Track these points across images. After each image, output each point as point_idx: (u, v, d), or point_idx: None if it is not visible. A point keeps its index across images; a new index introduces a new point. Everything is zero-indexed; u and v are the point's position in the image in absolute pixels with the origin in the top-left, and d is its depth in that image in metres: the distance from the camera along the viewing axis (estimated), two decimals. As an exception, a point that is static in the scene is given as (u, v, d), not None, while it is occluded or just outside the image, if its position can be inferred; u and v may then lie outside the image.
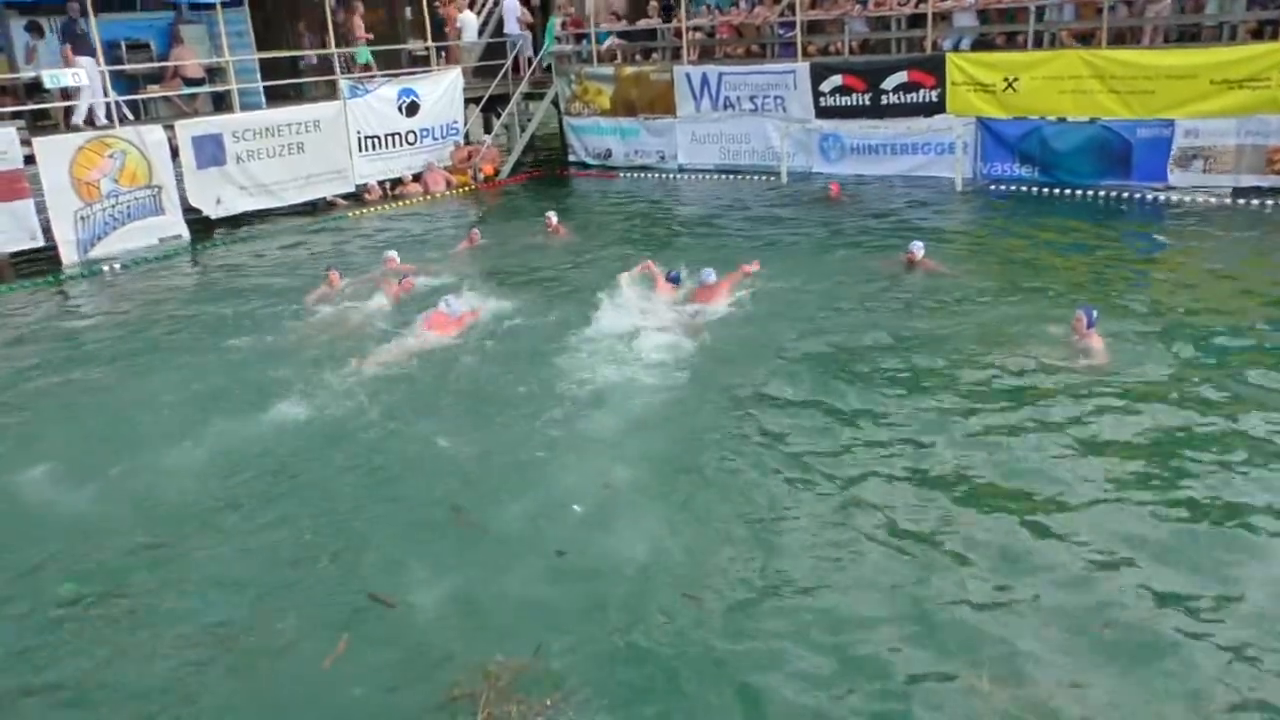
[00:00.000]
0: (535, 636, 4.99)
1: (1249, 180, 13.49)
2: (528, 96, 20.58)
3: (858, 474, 6.55)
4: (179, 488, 6.90)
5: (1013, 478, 6.41)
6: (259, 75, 16.77)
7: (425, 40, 19.18)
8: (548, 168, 20.13)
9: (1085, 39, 14.81)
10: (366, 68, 18.34)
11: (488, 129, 21.10)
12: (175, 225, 15.28)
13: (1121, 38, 14.64)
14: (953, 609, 5.12)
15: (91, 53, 14.71)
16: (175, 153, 15.27)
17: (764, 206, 15.10)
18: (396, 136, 18.11)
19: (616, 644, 4.93)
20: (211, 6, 16.01)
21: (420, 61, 19.51)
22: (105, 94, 14.77)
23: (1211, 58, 13.45)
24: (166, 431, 7.76)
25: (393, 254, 12.21)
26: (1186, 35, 14.34)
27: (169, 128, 15.23)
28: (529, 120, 20.38)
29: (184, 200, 15.45)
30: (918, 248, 10.71)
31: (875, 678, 4.64)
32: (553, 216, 13.92)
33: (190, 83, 16.39)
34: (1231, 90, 13.31)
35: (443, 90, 18.71)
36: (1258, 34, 13.61)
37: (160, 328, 10.69)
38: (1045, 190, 14.69)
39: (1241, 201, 13.20)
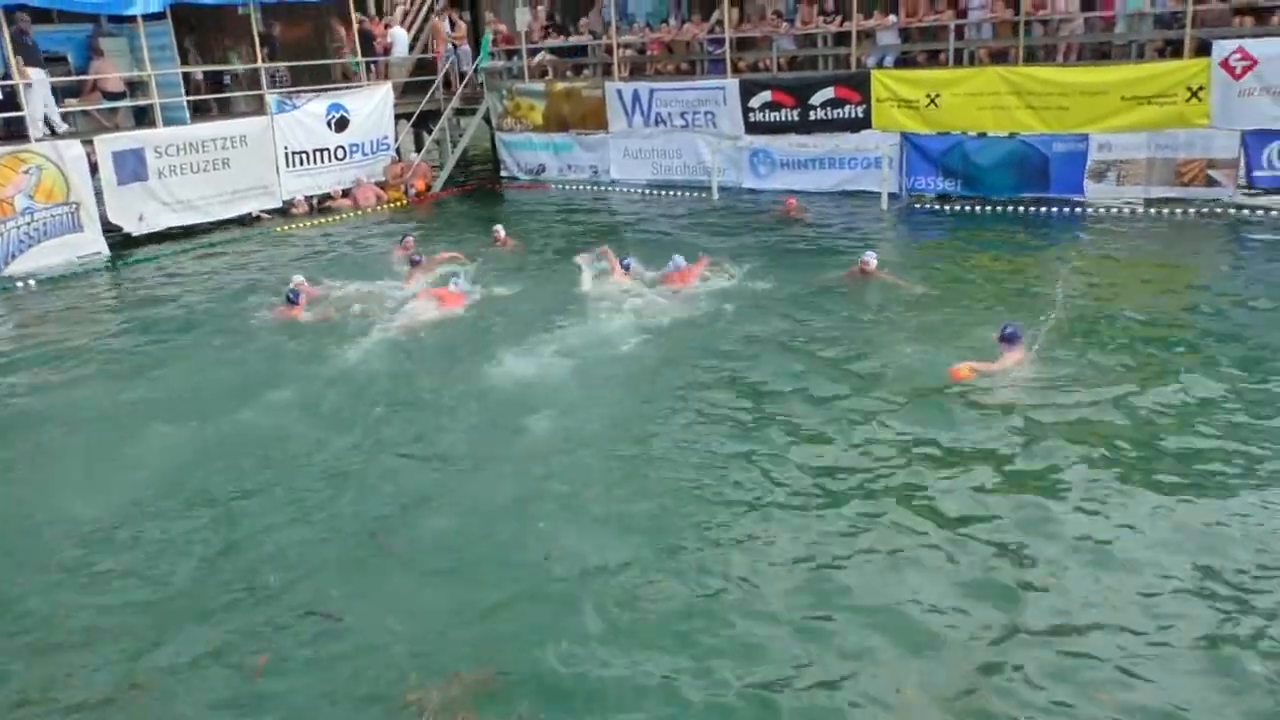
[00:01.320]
0: (487, 649, 4.92)
1: (1159, 191, 13.92)
2: (459, 112, 20.47)
3: (797, 483, 6.58)
4: (96, 504, 6.66)
5: (932, 479, 6.51)
6: (183, 89, 16.35)
7: (355, 56, 18.90)
8: (480, 182, 20.03)
9: (1002, 57, 15.18)
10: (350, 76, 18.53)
11: (419, 145, 20.91)
12: (94, 242, 14.78)
13: (1037, 56, 15.04)
14: (872, 613, 5.15)
15: (41, 64, 14.54)
16: (94, 168, 14.79)
17: (704, 219, 15.16)
18: (325, 152, 17.86)
19: (564, 658, 4.88)
20: (132, 19, 15.58)
21: (351, 77, 19.25)
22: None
23: (1121, 75, 13.87)
24: (79, 449, 7.52)
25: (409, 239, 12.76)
26: (1098, 54, 14.79)
27: (88, 143, 14.75)
28: (461, 136, 20.27)
29: (104, 217, 14.97)
30: (870, 258, 10.74)
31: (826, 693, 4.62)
32: (500, 230, 13.90)
33: (110, 96, 15.91)
34: (1141, 106, 13.74)
35: (373, 106, 18.51)
36: (1163, 52, 14.09)
37: (75, 345, 10.37)
38: (968, 203, 14.98)
39: (1153, 211, 13.65)
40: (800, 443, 7.07)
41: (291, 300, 10.50)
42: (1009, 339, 8.18)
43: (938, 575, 5.44)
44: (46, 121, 14.68)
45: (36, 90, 14.36)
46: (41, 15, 15.60)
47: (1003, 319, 8.78)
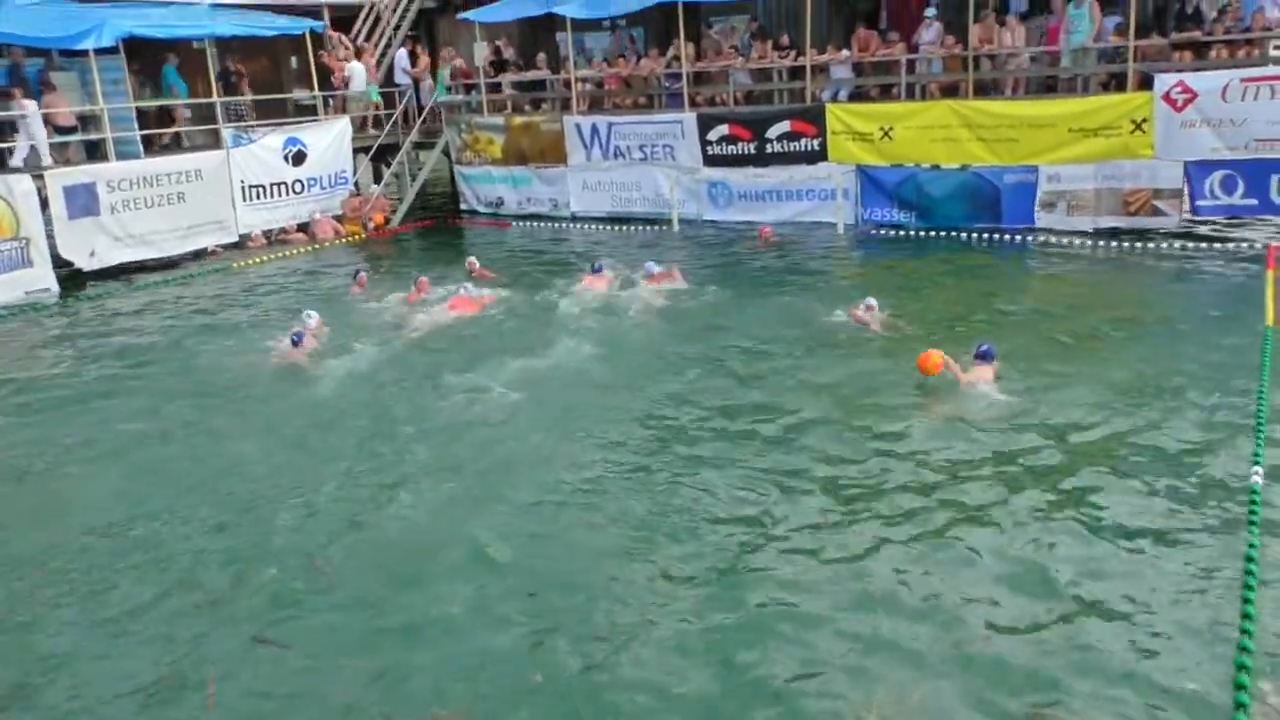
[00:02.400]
0: (460, 685, 4.87)
1: (1108, 221, 14.16)
2: (418, 146, 20.36)
3: (768, 507, 6.62)
4: (40, 538, 6.41)
5: (899, 493, 6.52)
6: (135, 124, 16.10)
7: (312, 89, 18.79)
8: (439, 216, 19.93)
9: (953, 91, 15.43)
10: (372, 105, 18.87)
11: (377, 179, 20.76)
12: (44, 278, 14.42)
13: (986, 89, 15.31)
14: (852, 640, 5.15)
15: (35, 95, 14.73)
16: (45, 203, 14.47)
17: (668, 250, 15.18)
18: (282, 186, 17.68)
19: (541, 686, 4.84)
20: (84, 54, 15.33)
21: (307, 111, 19.13)
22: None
23: (1068, 108, 14.14)
24: (22, 486, 7.28)
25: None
26: (1045, 87, 15.08)
27: (38, 177, 14.44)
28: (419, 169, 20.16)
29: (55, 252, 14.61)
30: (870, 305, 10.40)
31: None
32: (475, 260, 13.86)
33: (61, 131, 15.60)
34: (1087, 138, 14.00)
35: (330, 139, 18.39)
36: (1107, 86, 14.40)
37: (18, 382, 10.06)
38: (923, 233, 15.13)
39: (1102, 243, 13.86)
40: (758, 457, 7.23)
41: (296, 343, 10.01)
42: (983, 356, 8.53)
43: (902, 596, 5.50)
44: (34, 154, 14.79)
45: (34, 120, 14.57)
46: (-9, 50, 15.36)
47: (961, 346, 9.00)
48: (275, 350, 10.30)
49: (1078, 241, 13.97)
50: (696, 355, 9.79)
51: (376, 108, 19.35)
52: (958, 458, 7.11)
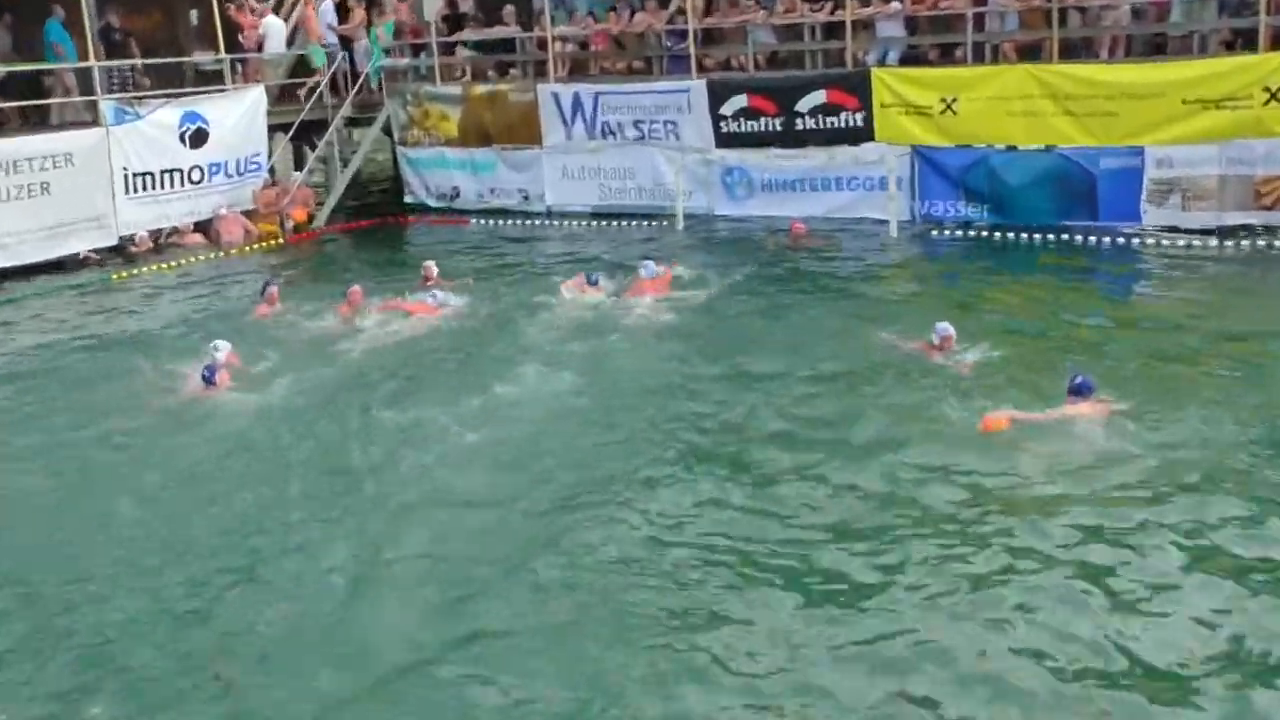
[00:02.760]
0: None
1: (1235, 217, 13.98)
2: (352, 122, 20.24)
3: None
4: None
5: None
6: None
7: (216, 51, 18.69)
8: (378, 212, 19.81)
9: (1033, 52, 15.29)
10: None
11: (300, 164, 20.61)
12: None
13: (1075, 50, 15.16)
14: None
15: None
16: None
17: (670, 254, 15.02)
18: (177, 174, 17.52)
19: None
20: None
21: (210, 79, 19.03)
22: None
23: (1181, 73, 14.01)
24: None
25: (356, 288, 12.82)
26: (1151, 47, 14.95)
27: None
28: (353, 153, 20.03)
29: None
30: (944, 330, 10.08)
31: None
32: (433, 266, 13.80)
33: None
34: (1207, 111, 13.85)
35: (240, 115, 18.25)
36: (1231, 46, 14.26)
37: None
38: (996, 233, 14.97)
39: (1229, 244, 13.68)
40: (786, 525, 7.25)
41: (208, 380, 10.03)
42: (1078, 390, 8.47)
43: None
44: None
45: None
46: None
47: (1043, 371, 9.05)
48: (184, 389, 10.25)
49: (1197, 242, 13.82)
50: (705, 389, 9.74)
51: (318, 77, 19.20)
52: (1052, 524, 6.95)
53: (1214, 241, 13.79)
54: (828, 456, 8.15)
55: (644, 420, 9.00)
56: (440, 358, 11.03)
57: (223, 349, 10.66)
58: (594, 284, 12.85)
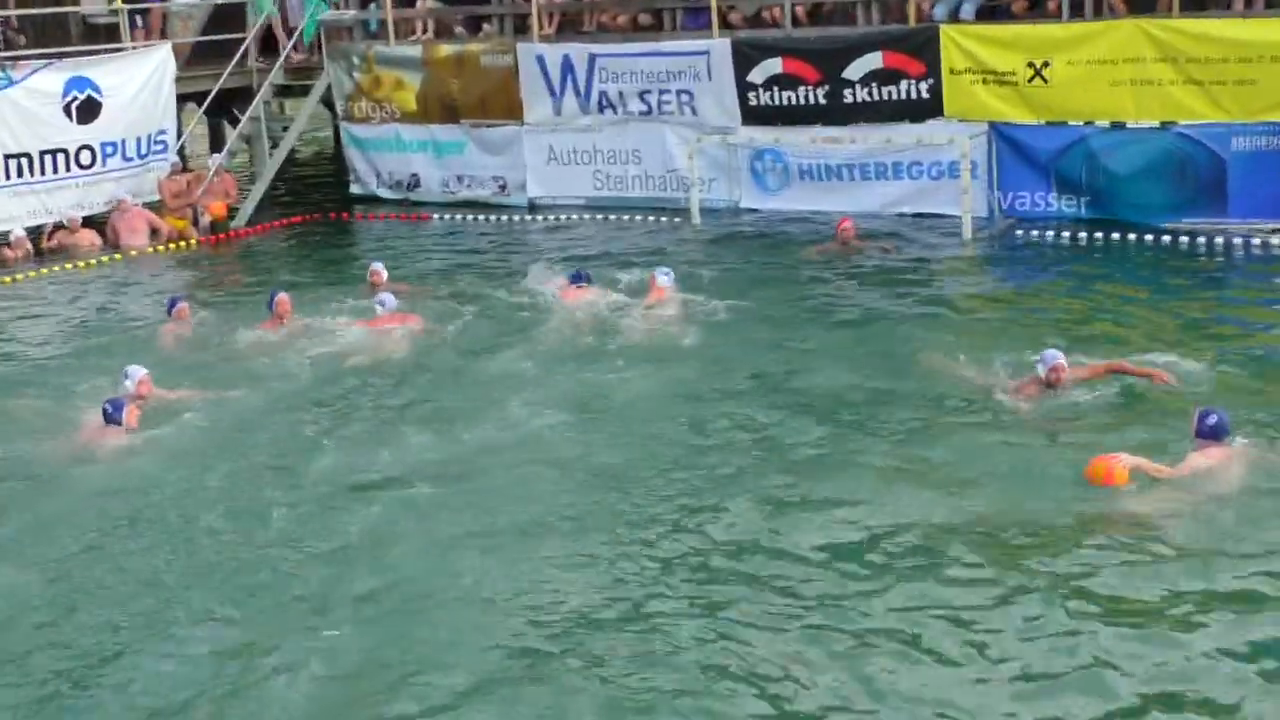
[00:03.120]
0: None
1: None
2: (283, 91, 20.34)
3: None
4: None
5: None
6: None
7: (111, 1, 18.77)
8: (317, 207, 19.86)
9: (1147, 3, 15.21)
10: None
11: (218, 145, 20.75)
12: None
13: (1202, 2, 15.07)
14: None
15: None
16: None
17: (683, 255, 15.12)
18: (61, 156, 17.61)
19: None
20: None
21: (103, 35, 19.06)
22: None
23: (1338, 30, 13.99)
24: None
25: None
26: (1295, -3, 14.89)
27: None
28: (285, 130, 20.08)
29: None
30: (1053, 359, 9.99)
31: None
32: (381, 269, 13.92)
33: None
34: (1369, 77, 13.84)
35: (141, 81, 18.30)
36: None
37: None
38: (1098, 233, 14.91)
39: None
40: (833, 609, 7.27)
41: (111, 418, 10.07)
42: (1211, 432, 8.39)
43: None
44: None
45: None
46: None
47: (1167, 416, 9.01)
48: (81, 429, 10.26)
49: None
50: (724, 426, 9.83)
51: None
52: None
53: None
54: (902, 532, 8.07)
55: (649, 473, 9.02)
56: (392, 383, 11.13)
57: (134, 377, 10.70)
58: (577, 282, 13.14)
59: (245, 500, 8.95)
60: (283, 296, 12.81)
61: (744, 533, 8.15)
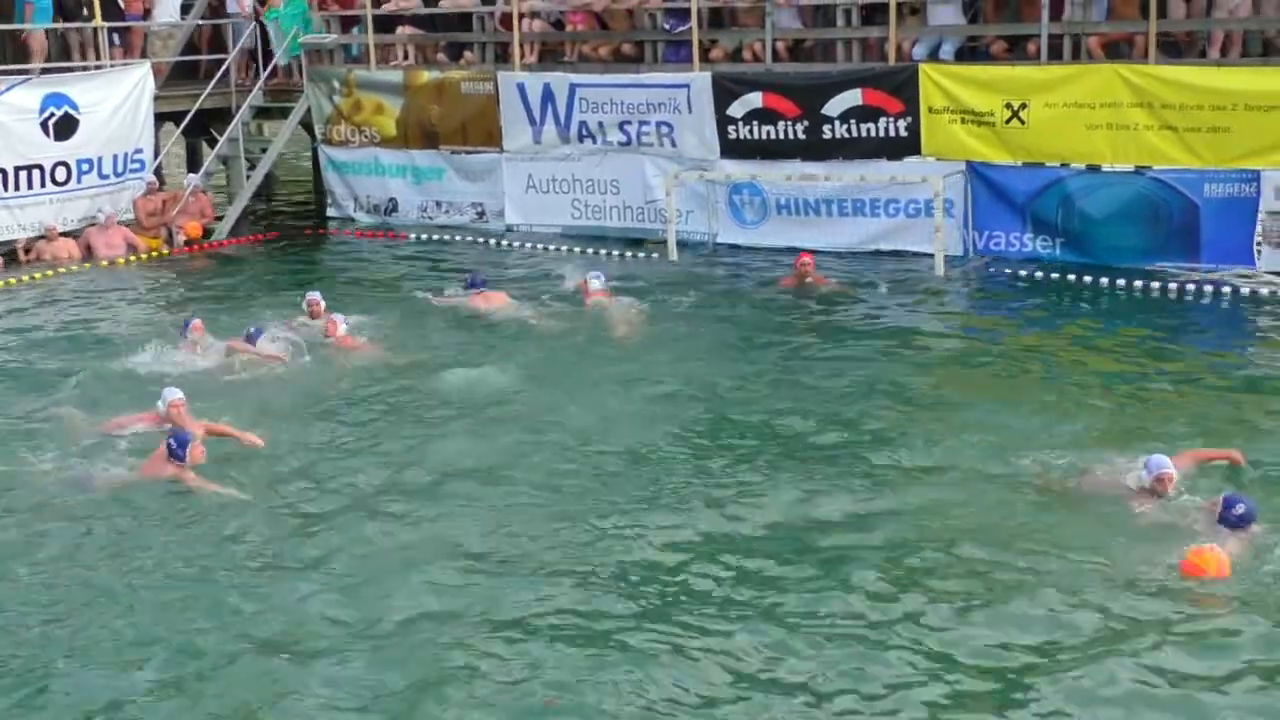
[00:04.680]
0: None
1: (1377, 266, 14.04)
2: (262, 113, 20.36)
3: None
4: None
5: None
6: None
7: (90, 17, 18.68)
8: (292, 227, 19.91)
9: (1123, 49, 15.29)
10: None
11: (195, 165, 20.69)
12: None
13: (1177, 48, 15.17)
14: None
15: None
16: None
17: (657, 290, 15.16)
18: (37, 171, 17.58)
19: None
20: None
21: (81, 53, 19.06)
22: None
23: (1310, 80, 14.07)
24: None
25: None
26: (1271, 47, 14.94)
27: None
28: (263, 151, 20.08)
29: None
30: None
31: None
32: (317, 298, 13.82)
33: None
34: (1342, 129, 13.91)
35: (120, 99, 18.31)
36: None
37: None
38: (1072, 275, 14.96)
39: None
40: None
41: (175, 455, 9.80)
42: (1240, 521, 8.15)
43: None
44: None
45: None
46: None
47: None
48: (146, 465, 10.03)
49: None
50: (674, 480, 9.63)
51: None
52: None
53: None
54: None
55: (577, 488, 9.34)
56: (326, 414, 11.24)
57: (167, 399, 10.48)
58: (477, 286, 14.02)
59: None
60: (197, 322, 12.90)
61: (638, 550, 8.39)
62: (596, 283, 14.26)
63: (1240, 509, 8.18)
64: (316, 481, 9.73)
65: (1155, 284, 14.52)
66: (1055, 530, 8.46)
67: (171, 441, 9.83)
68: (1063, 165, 15.25)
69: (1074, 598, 7.55)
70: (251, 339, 12.53)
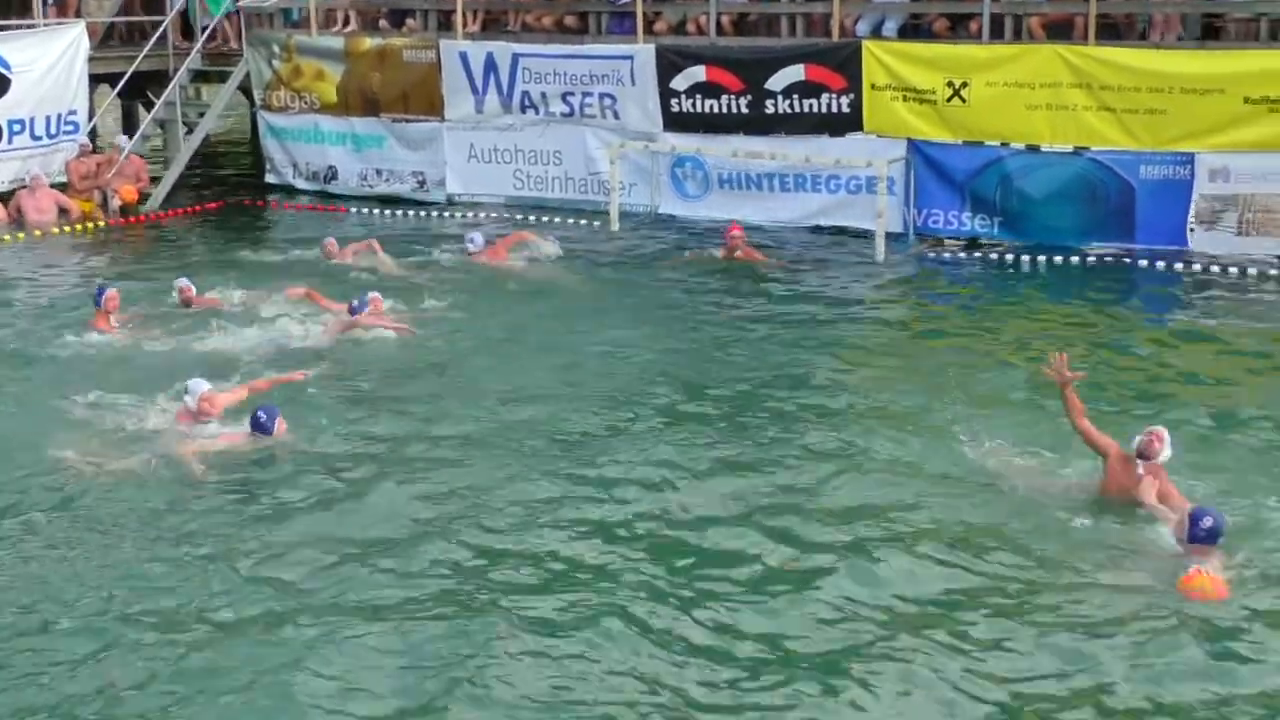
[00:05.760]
0: None
1: (1302, 247, 14.26)
2: (200, 76, 20.10)
3: None
4: None
5: None
6: None
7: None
8: (230, 193, 19.68)
9: (1064, 29, 15.40)
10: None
11: (131, 127, 20.44)
12: None
13: (1117, 30, 15.30)
14: None
15: None
16: None
17: (596, 261, 15.25)
18: (-36, 133, 17.46)
19: None
20: None
21: (14, 10, 18.85)
22: None
23: (1247, 65, 14.20)
24: None
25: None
26: (1210, 30, 15.13)
27: None
28: (201, 116, 19.82)
29: None
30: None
31: None
32: (188, 284, 13.38)
33: None
34: (1275, 113, 14.01)
35: (54, 59, 18.09)
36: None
37: None
38: (1010, 255, 15.09)
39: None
40: None
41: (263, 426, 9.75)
42: (1206, 537, 7.59)
43: None
44: None
45: None
46: None
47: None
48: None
49: (1252, 273, 14.04)
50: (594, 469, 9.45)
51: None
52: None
53: (1274, 271, 14.00)
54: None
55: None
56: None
57: (195, 393, 10.00)
58: (355, 311, 12.56)
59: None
60: (112, 291, 12.61)
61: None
62: (473, 245, 14.98)
63: (1206, 523, 7.58)
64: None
65: (1090, 261, 14.69)
66: (997, 523, 8.33)
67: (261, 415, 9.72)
68: (1003, 144, 15.32)
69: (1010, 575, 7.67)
70: (355, 310, 12.41)
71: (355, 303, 12.45)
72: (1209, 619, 7.03)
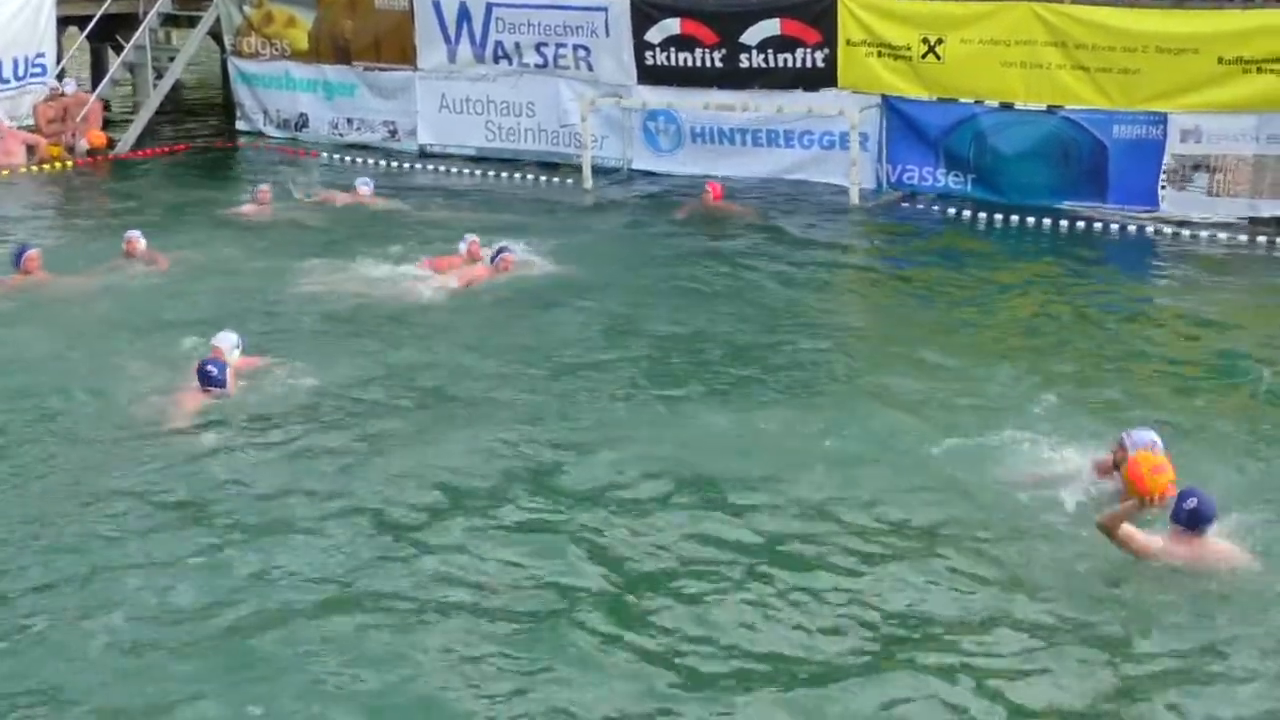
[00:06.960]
0: None
1: (1271, 207, 14.23)
2: (170, 20, 20.01)
3: None
4: None
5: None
6: None
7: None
8: (199, 138, 19.74)
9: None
10: None
11: (100, 71, 20.32)
12: None
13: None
14: None
15: None
16: None
17: (570, 218, 15.25)
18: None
19: None
20: None
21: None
22: None
23: (1220, 25, 14.16)
24: None
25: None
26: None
27: None
28: (171, 60, 19.72)
29: None
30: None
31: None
32: (137, 237, 13.08)
33: None
34: (1248, 74, 14.02)
35: (20, 2, 18.01)
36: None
37: None
38: (982, 212, 15.07)
39: (1262, 239, 13.91)
40: None
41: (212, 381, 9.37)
42: (1190, 520, 7.07)
43: None
44: None
45: None
46: None
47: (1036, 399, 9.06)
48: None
49: (1222, 236, 14.08)
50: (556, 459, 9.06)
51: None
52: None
53: (1244, 237, 14.02)
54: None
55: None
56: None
57: (225, 340, 9.80)
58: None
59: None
60: (33, 252, 12.44)
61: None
62: (365, 188, 15.68)
63: (1190, 504, 7.01)
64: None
65: (1064, 222, 14.65)
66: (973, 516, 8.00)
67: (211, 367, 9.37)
68: (977, 102, 15.31)
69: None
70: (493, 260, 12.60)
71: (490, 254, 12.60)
72: (1210, 619, 6.82)
